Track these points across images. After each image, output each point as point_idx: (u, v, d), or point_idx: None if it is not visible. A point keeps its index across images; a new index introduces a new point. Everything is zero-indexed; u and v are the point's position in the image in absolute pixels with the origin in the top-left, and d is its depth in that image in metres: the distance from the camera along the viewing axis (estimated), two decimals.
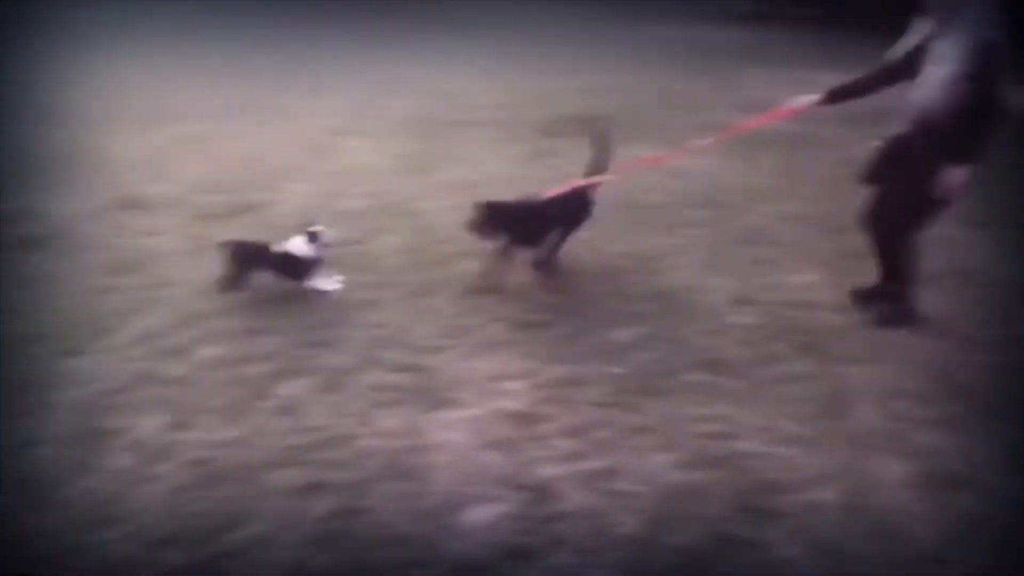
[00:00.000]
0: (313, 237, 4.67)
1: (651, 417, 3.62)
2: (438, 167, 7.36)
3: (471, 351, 4.17)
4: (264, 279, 4.68)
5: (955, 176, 3.88)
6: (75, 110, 9.25)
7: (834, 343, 4.29)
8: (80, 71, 11.28)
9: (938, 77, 3.82)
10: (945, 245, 5.10)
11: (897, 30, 4.14)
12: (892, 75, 4.11)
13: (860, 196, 4.46)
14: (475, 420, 3.57)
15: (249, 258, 4.66)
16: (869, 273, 4.53)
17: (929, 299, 4.54)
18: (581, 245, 5.42)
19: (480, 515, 2.98)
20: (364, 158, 7.65)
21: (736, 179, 7.03)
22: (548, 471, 3.23)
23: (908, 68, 3.99)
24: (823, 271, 5.11)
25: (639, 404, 3.71)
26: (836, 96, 4.30)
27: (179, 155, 7.59)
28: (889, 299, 4.48)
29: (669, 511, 3.01)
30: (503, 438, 3.44)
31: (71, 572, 2.68)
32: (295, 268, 4.67)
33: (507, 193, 4.90)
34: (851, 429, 3.56)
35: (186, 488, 3.09)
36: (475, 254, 5.04)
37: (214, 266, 4.68)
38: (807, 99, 4.39)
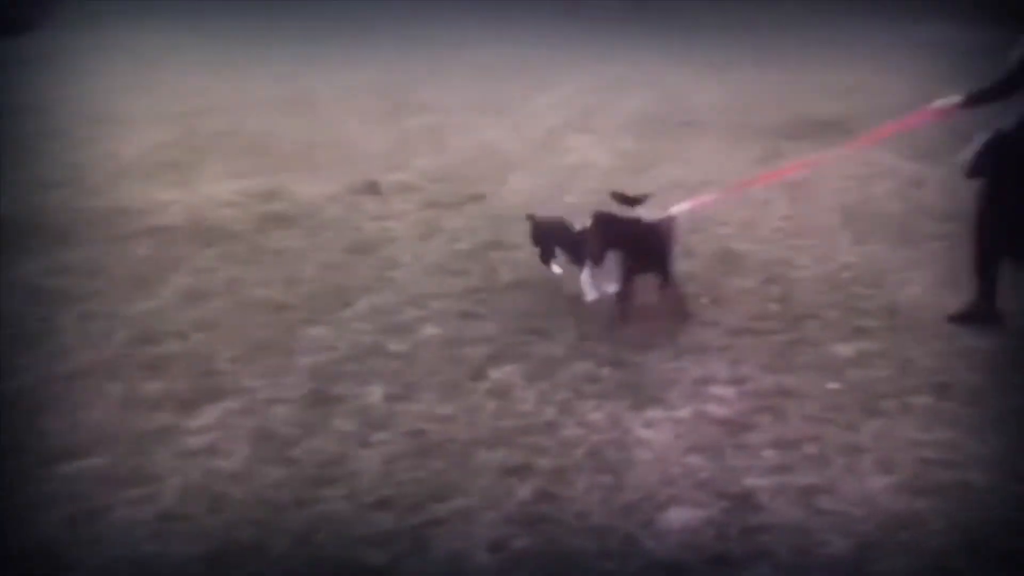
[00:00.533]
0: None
1: (867, 437, 3.43)
2: (662, 166, 7.34)
3: (680, 353, 4.15)
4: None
5: None
6: (324, 102, 10.09)
7: None
8: (333, 66, 12.27)
9: None
10: None
11: None
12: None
13: None
14: (680, 422, 3.56)
15: (547, 235, 4.88)
16: None
17: None
18: (807, 253, 5.24)
19: (679, 517, 2.97)
20: (589, 155, 7.78)
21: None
22: (753, 481, 3.16)
23: None
24: None
25: (856, 422, 3.53)
26: (975, 99, 4.17)
27: (415, 146, 8.09)
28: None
29: (881, 536, 2.85)
30: (708, 443, 3.41)
31: (292, 525, 2.95)
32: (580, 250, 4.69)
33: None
34: None
35: (401, 457, 3.32)
36: (686, 255, 5.01)
37: (440, 250, 4.98)
38: (949, 101, 4.26)
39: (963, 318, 4.36)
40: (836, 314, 4.53)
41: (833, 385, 3.83)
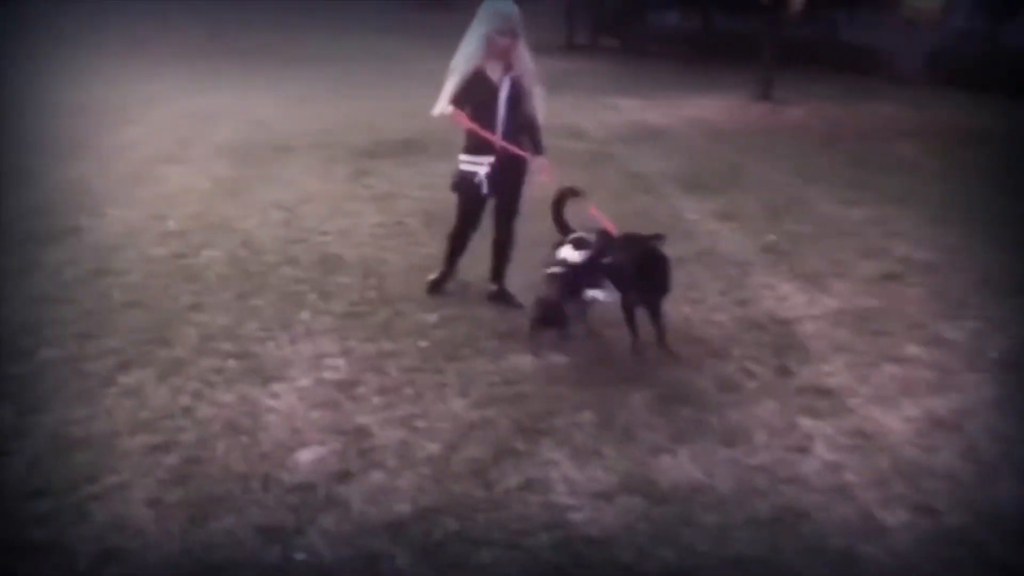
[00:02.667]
0: (580, 244, 4.80)
1: (451, 375, 4.48)
2: (260, 188, 8.00)
3: (295, 339, 4.89)
4: None
5: None
6: None
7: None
8: None
9: None
10: None
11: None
12: None
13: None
14: (302, 389, 4.30)
15: None
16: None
17: None
18: (396, 251, 6.26)
19: (307, 454, 3.72)
20: (185, 182, 8.17)
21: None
22: (364, 419, 4.01)
23: None
24: None
25: (442, 367, 4.56)
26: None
27: None
28: None
29: (462, 437, 3.87)
30: (326, 400, 4.19)
31: None
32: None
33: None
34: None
35: (45, 456, 3.64)
36: (292, 262, 5.78)
37: (44, 282, 5.16)
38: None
39: (435, 285, 5.64)
40: (422, 294, 5.59)
41: (423, 343, 4.84)
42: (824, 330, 5.22)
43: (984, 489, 3.63)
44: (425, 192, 8.10)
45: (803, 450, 3.88)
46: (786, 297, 5.76)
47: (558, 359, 4.68)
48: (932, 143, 11.83)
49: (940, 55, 19.50)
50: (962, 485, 3.65)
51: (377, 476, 3.57)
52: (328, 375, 4.45)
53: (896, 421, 4.17)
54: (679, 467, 3.69)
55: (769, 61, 15.85)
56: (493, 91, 5.08)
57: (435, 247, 6.42)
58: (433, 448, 3.79)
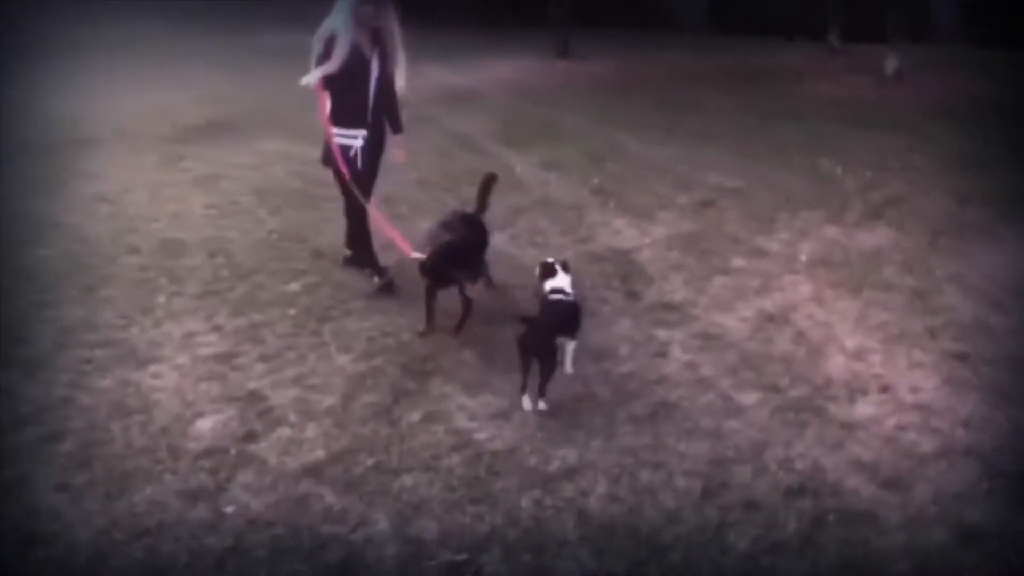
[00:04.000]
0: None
1: (328, 335, 4.71)
2: (74, 183, 7.72)
3: (158, 322, 4.92)
4: None
5: None
6: None
7: None
8: None
9: None
10: None
11: None
12: None
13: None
14: (181, 367, 4.39)
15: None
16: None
17: None
18: (237, 228, 6.32)
19: (206, 423, 3.86)
20: None
21: None
22: (254, 384, 4.19)
23: None
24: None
25: (318, 328, 4.78)
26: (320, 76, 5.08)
27: None
28: None
29: (356, 386, 4.14)
30: (210, 374, 4.32)
31: None
32: None
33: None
34: None
35: None
36: (132, 251, 5.76)
37: None
38: (309, 79, 5.11)
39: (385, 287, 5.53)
40: (277, 265, 5.72)
41: (292, 311, 5.02)
42: (659, 255, 5.85)
43: (814, 365, 4.33)
44: (250, 172, 8.09)
45: (663, 355, 4.45)
46: (620, 231, 6.35)
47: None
48: (723, 85, 12.94)
49: (718, 5, 21.11)
50: (797, 364, 4.34)
51: (283, 432, 3.78)
52: (204, 351, 4.56)
53: (734, 321, 4.82)
54: (562, 384, 4.12)
55: (564, 20, 16.63)
56: (365, 66, 5.13)
57: (277, 222, 6.55)
58: (330, 400, 4.03)
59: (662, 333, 4.68)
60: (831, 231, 6.29)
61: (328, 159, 5.30)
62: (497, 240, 5.76)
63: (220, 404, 4.02)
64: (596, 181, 7.65)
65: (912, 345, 4.56)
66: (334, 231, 6.03)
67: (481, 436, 3.72)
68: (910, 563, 2.98)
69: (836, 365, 4.34)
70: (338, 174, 5.25)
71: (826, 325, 4.77)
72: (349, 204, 5.43)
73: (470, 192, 5.84)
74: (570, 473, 3.47)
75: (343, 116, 5.17)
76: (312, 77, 5.08)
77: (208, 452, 3.63)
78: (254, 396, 4.08)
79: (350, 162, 5.18)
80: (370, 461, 3.55)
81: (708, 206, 6.88)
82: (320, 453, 3.61)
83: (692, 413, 3.90)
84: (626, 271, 5.57)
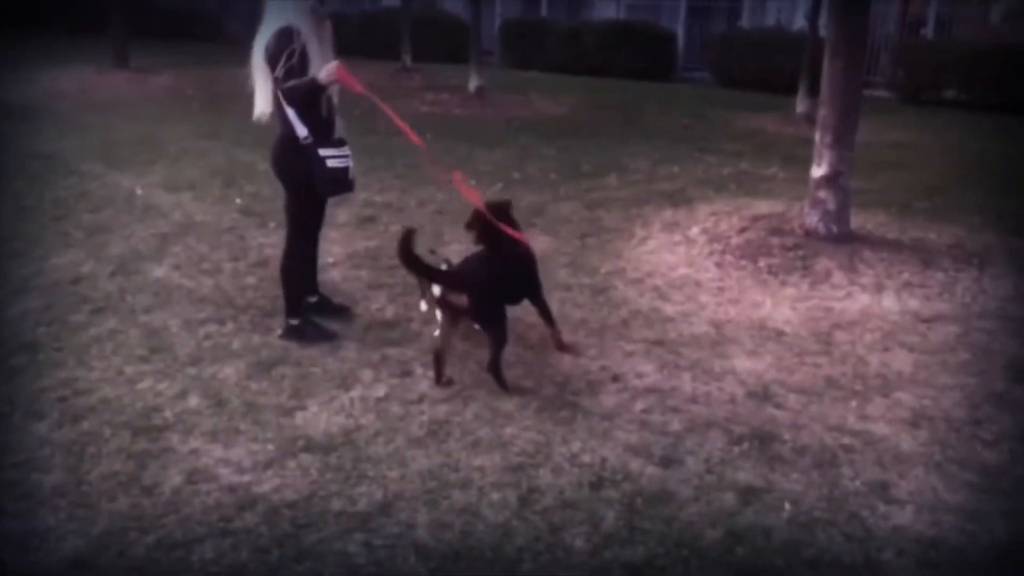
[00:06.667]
0: None
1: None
2: None
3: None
4: None
5: None
6: None
7: None
8: None
9: None
10: None
11: None
12: None
13: None
14: None
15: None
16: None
17: None
18: None
19: None
20: None
21: None
22: None
23: None
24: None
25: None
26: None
27: None
28: None
29: (75, 457, 3.51)
30: None
31: None
32: None
33: None
34: None
35: None
36: None
37: None
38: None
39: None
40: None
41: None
42: (349, 272, 5.76)
43: (549, 365, 4.62)
44: None
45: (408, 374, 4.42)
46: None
47: None
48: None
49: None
50: (535, 366, 4.58)
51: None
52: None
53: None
54: (329, 411, 3.91)
55: (123, 30, 15.47)
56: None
57: None
58: (53, 479, 3.37)
59: (391, 351, 4.65)
60: None
61: (331, 185, 4.56)
62: (159, 272, 5.26)
63: None
64: (238, 201, 7.26)
65: (617, 336, 5.04)
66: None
67: (264, 488, 3.38)
68: (718, 530, 3.33)
69: (567, 363, 4.66)
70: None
71: (538, 326, 5.06)
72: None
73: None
74: (384, 508, 3.30)
75: (325, 135, 4.54)
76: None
77: None
78: None
79: (347, 185, 4.63)
80: (149, 539, 3.04)
81: (369, 221, 6.91)
82: (78, 541, 3.01)
83: (467, 426, 3.94)
84: (327, 290, 5.39)
